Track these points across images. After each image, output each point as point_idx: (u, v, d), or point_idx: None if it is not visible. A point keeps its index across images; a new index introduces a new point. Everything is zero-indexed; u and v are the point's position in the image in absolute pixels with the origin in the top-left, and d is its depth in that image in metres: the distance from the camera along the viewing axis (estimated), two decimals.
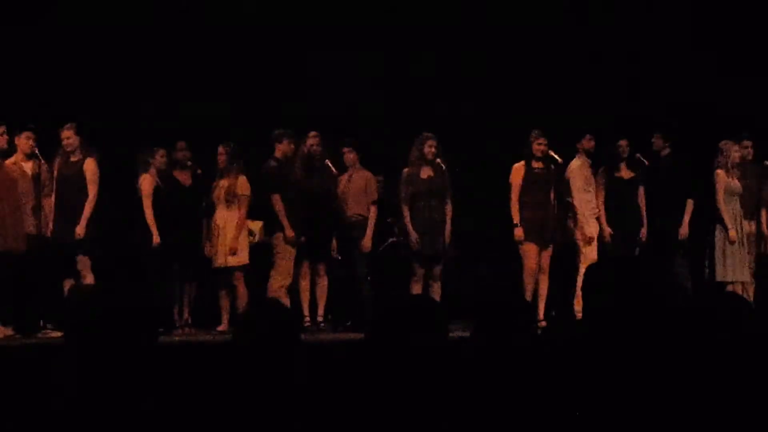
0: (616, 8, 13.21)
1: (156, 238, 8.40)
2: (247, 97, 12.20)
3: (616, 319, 2.54)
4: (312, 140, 8.74)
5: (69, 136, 8.37)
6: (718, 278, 8.84)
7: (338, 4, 12.25)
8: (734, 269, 8.82)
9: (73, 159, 8.39)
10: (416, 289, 8.74)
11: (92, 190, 8.32)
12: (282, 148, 8.66)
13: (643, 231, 8.95)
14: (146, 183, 8.48)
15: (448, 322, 3.46)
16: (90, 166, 8.35)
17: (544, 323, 8.40)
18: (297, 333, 3.49)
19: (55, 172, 8.38)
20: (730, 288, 8.69)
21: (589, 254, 8.69)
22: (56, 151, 8.46)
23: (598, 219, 8.92)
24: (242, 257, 8.62)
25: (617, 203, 8.94)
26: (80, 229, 8.23)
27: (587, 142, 8.97)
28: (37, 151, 8.30)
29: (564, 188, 8.97)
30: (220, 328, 8.58)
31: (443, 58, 12.91)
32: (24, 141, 8.33)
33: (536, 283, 8.75)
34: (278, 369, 3.35)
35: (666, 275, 8.63)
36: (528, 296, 8.42)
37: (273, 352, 3.38)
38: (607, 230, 8.86)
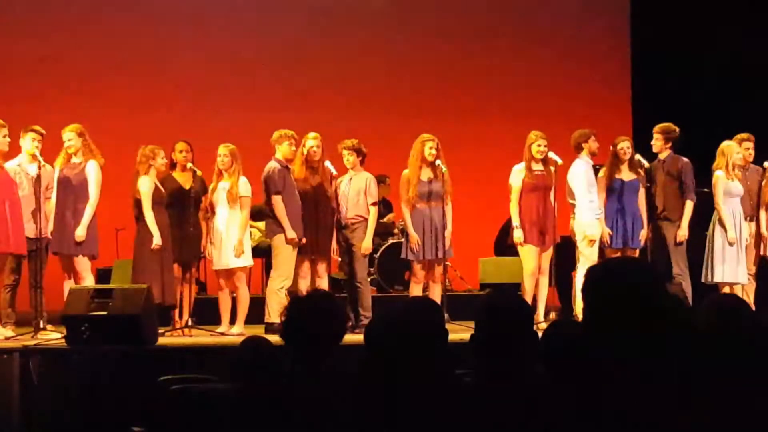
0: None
1: (157, 240, 8.39)
2: (247, 98, 12.22)
3: (615, 321, 2.54)
4: (312, 142, 8.74)
5: (71, 138, 8.36)
6: (717, 279, 8.84)
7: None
8: (733, 271, 8.81)
9: (75, 161, 8.38)
10: (416, 290, 8.74)
11: (94, 193, 8.32)
12: (282, 150, 8.66)
13: (643, 233, 8.95)
14: (146, 184, 8.47)
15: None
16: (92, 169, 8.34)
17: (543, 325, 8.39)
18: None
19: (57, 174, 8.37)
20: (728, 289, 8.69)
21: (591, 256, 8.68)
22: (58, 153, 8.46)
23: (598, 220, 8.90)
24: (246, 259, 8.63)
25: (617, 205, 8.93)
26: (81, 231, 8.22)
27: (593, 143, 8.94)
28: (39, 153, 8.28)
29: (567, 190, 8.96)
30: (220, 329, 8.57)
31: (444, 56, 12.92)
32: (28, 142, 8.32)
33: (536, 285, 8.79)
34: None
35: (665, 277, 8.63)
36: (527, 298, 8.41)
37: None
38: (607, 231, 8.85)
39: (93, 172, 8.34)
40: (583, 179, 8.86)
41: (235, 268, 8.60)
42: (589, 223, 8.80)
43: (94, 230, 8.35)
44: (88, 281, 8.29)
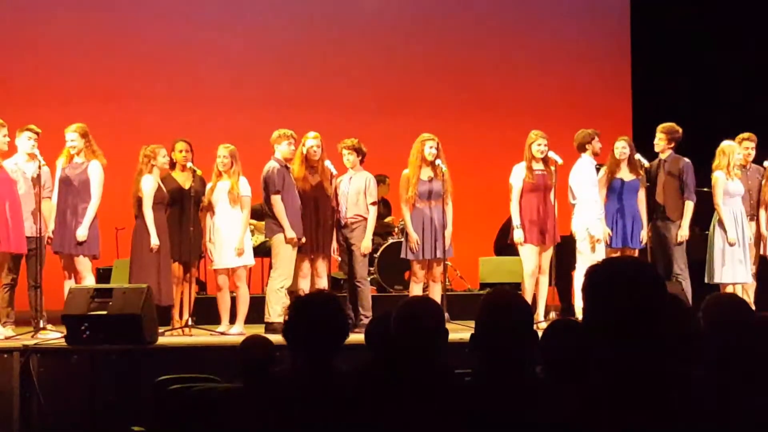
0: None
1: (154, 240, 8.38)
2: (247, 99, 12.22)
3: (615, 321, 2.54)
4: (312, 141, 8.73)
5: (73, 138, 8.36)
6: (718, 280, 8.83)
7: None
8: (735, 270, 8.81)
9: (77, 161, 8.38)
10: (416, 290, 8.73)
11: (96, 193, 8.31)
12: (281, 150, 8.66)
13: (644, 233, 8.94)
14: (149, 184, 8.47)
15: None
16: (95, 169, 8.34)
17: (543, 324, 8.38)
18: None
19: (59, 174, 8.37)
20: (730, 289, 8.69)
21: (594, 255, 8.66)
22: (58, 152, 8.46)
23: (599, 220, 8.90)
24: (247, 258, 8.63)
25: (617, 204, 8.93)
26: (82, 231, 8.22)
27: (596, 144, 8.94)
28: (37, 152, 8.28)
29: (569, 189, 8.95)
30: (220, 329, 8.56)
31: (444, 56, 12.92)
32: (25, 141, 8.32)
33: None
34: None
35: (665, 277, 8.63)
36: (528, 297, 8.41)
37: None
38: (607, 231, 8.85)
39: (96, 173, 8.34)
40: (586, 179, 8.86)
41: (236, 268, 8.60)
42: (591, 223, 8.79)
43: (95, 230, 8.35)
44: (89, 281, 8.29)
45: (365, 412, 3.20)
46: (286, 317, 3.62)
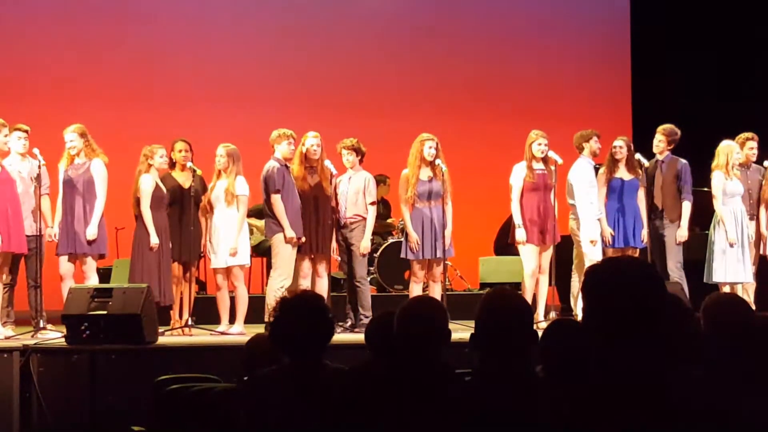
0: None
1: (154, 239, 8.39)
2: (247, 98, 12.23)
3: (615, 321, 2.54)
4: (311, 140, 8.73)
5: (72, 139, 8.35)
6: (718, 279, 8.84)
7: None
8: (734, 270, 8.81)
9: (78, 162, 8.37)
10: (416, 290, 8.73)
11: (101, 191, 8.30)
12: (281, 149, 8.66)
13: (643, 233, 8.95)
14: (146, 183, 8.47)
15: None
16: (98, 167, 8.33)
17: (543, 324, 8.37)
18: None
19: (62, 176, 8.35)
20: (729, 288, 8.69)
21: (593, 255, 8.67)
22: (59, 152, 8.45)
23: (599, 220, 8.90)
24: (243, 257, 8.63)
25: (618, 204, 8.94)
26: (92, 230, 8.21)
27: (594, 144, 8.94)
28: (36, 151, 8.26)
29: (567, 189, 8.96)
30: (220, 329, 8.57)
31: (445, 56, 12.92)
32: (15, 141, 8.29)
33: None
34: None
35: (664, 277, 8.63)
36: (528, 297, 8.41)
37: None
38: (608, 231, 8.85)
39: (99, 171, 8.33)
40: (583, 180, 8.86)
41: (232, 267, 8.59)
42: (588, 224, 8.80)
43: (102, 229, 8.34)
44: (93, 281, 8.28)
45: (365, 411, 3.20)
46: (271, 318, 3.65)
